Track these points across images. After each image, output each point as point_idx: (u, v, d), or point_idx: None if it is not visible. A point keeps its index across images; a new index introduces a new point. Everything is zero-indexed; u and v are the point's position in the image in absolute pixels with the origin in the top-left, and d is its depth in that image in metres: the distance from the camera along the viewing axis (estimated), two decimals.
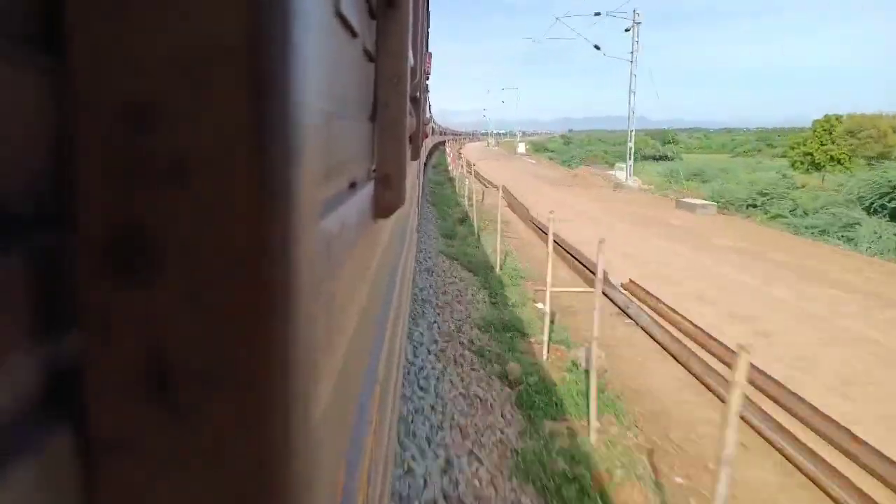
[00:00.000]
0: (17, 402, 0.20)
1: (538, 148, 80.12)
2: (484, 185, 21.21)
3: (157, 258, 0.20)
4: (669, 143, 71.09)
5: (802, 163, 32.51)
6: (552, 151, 71.02)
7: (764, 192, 18.79)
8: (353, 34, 0.74)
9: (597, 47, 26.53)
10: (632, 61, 25.78)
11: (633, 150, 26.40)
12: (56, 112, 0.22)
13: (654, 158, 55.02)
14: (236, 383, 0.21)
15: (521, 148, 68.00)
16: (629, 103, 26.08)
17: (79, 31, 0.20)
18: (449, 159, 32.57)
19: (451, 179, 24.72)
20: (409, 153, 1.03)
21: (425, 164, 17.76)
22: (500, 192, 10.37)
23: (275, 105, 0.20)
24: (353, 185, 0.77)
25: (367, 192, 0.85)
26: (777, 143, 73.84)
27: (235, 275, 0.20)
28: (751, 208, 18.20)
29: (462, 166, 24.12)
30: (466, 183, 16.81)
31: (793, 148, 35.22)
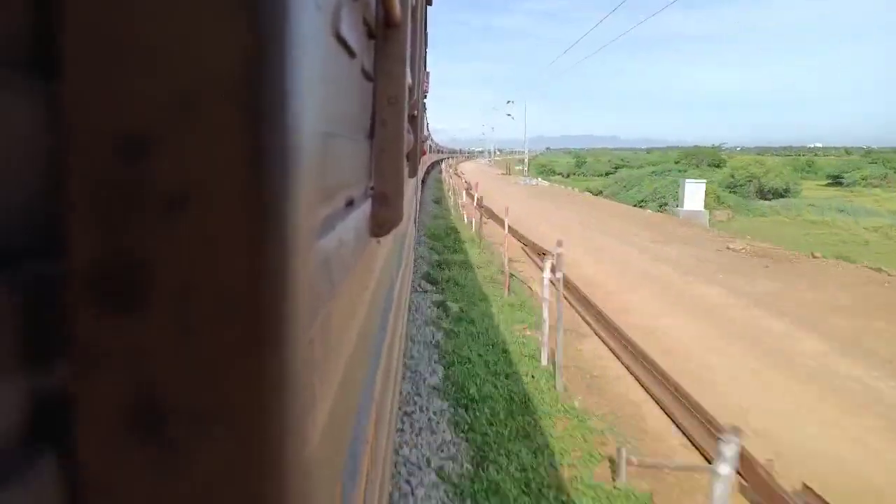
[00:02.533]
0: (2, 431, 0.19)
1: (542, 170, 65.13)
2: None
3: (147, 289, 0.20)
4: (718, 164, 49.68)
5: None
6: (559, 175, 58.12)
7: None
8: (352, 54, 0.74)
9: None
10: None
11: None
12: (49, 141, 0.21)
13: (773, 194, 39.95)
14: (229, 421, 0.20)
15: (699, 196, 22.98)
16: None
17: (76, 61, 0.19)
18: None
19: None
20: (406, 170, 1.03)
21: (423, 181, 18.21)
22: None
23: (272, 133, 0.20)
24: (350, 203, 0.77)
25: (364, 209, 0.84)
26: None
27: (230, 305, 0.20)
28: None
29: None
30: None
31: None
